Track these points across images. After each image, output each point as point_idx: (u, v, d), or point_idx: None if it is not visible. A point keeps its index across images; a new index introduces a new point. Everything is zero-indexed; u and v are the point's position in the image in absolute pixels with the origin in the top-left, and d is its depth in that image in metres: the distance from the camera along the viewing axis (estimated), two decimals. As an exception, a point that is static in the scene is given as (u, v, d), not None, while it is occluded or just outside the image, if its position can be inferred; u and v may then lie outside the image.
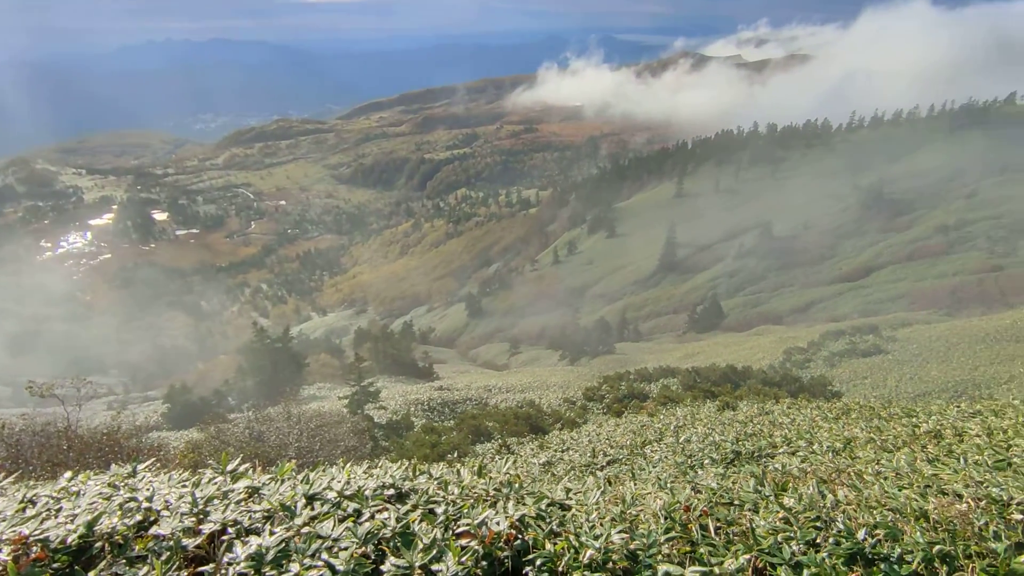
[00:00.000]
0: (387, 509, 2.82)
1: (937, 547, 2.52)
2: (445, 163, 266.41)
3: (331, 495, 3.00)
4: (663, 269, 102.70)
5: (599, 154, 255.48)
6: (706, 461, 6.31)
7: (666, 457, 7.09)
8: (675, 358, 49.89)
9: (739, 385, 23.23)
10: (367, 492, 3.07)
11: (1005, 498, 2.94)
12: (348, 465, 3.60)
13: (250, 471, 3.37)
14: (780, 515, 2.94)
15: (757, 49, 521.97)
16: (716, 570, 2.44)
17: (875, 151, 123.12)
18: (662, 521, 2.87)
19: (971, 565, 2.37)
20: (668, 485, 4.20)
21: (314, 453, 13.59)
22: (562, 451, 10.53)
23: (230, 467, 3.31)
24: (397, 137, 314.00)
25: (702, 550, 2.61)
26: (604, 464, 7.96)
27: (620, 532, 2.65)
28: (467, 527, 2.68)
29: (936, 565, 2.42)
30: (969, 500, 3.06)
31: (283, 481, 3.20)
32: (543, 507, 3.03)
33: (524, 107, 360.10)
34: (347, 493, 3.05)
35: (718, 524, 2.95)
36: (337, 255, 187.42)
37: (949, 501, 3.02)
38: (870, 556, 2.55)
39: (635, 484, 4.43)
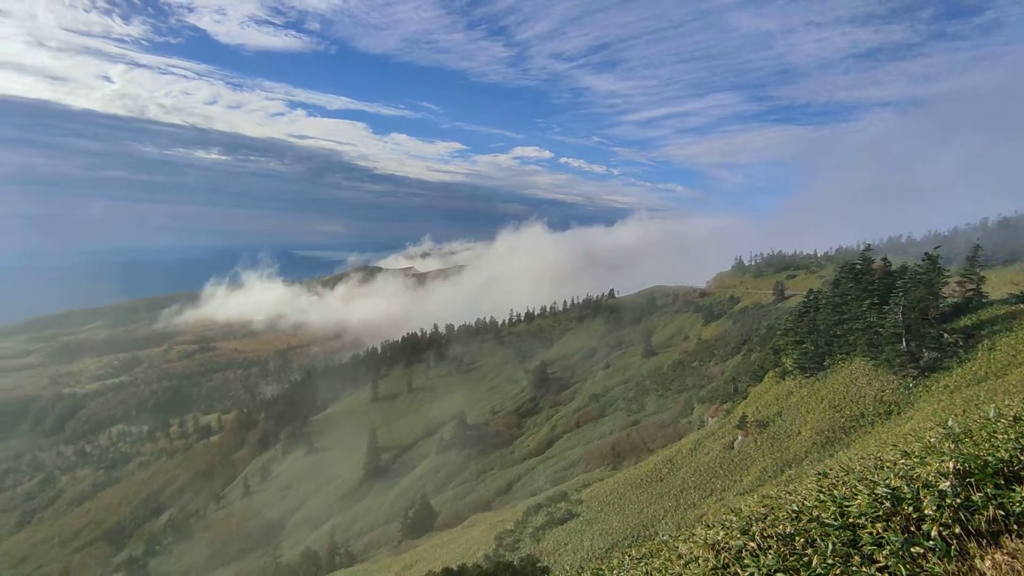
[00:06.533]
0: None
1: None
2: (93, 397, 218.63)
3: None
4: (370, 477, 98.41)
5: (289, 368, 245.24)
6: None
7: None
8: (392, 575, 46.23)
9: (457, 587, 22.22)
10: None
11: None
12: None
13: None
14: None
15: (424, 260, 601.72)
16: None
17: (534, 340, 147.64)
18: None
19: None
20: None
21: None
22: None
23: None
24: (21, 371, 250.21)
25: None
26: None
27: None
28: None
29: None
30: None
31: None
32: None
33: (196, 325, 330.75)
34: None
35: None
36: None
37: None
38: None
39: None
